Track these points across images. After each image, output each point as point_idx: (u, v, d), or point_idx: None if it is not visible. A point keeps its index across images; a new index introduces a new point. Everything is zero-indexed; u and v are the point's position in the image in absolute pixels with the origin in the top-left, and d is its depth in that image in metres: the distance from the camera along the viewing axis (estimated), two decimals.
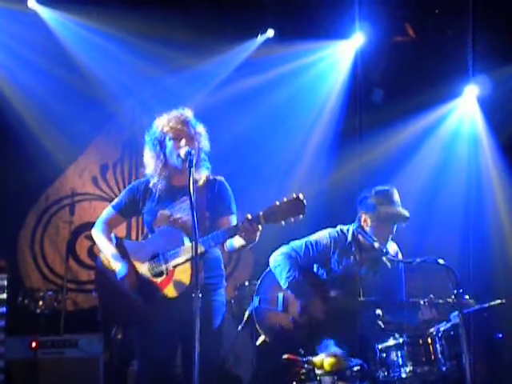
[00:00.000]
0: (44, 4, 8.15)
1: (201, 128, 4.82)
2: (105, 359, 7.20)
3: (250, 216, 4.30)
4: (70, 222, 8.52)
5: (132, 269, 4.68)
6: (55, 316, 7.87)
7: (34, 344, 7.06)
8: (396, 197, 5.72)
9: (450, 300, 5.42)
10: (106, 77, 8.52)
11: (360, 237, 5.73)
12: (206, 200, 4.73)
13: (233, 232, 4.42)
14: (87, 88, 8.57)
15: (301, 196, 4.23)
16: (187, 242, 4.50)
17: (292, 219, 4.24)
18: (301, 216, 4.23)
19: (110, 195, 9.13)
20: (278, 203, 4.25)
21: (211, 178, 4.85)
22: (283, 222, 4.25)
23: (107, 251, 4.81)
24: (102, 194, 9.17)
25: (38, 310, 7.83)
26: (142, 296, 4.62)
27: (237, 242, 4.55)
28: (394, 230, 5.73)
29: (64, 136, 8.62)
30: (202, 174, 4.78)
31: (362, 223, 5.74)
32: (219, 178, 4.89)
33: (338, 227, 5.89)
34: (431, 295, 5.57)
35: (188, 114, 4.81)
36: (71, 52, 8.36)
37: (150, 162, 4.81)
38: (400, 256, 5.92)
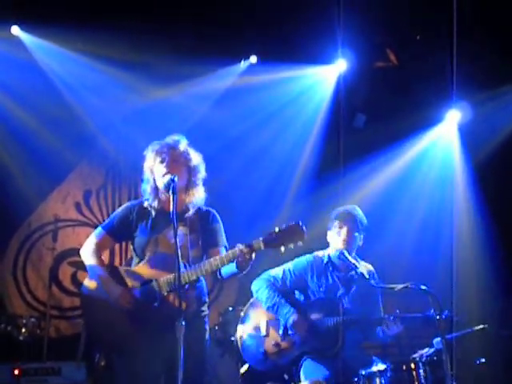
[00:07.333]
0: (28, 31, 8.17)
1: (194, 155, 4.80)
2: None
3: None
4: (52, 248, 8.46)
5: (125, 289, 4.61)
6: (38, 343, 7.82)
7: (16, 371, 7.00)
8: (351, 216, 5.76)
9: (420, 314, 5.49)
10: (90, 103, 8.54)
11: (336, 260, 5.76)
12: (200, 228, 4.74)
13: (231, 258, 4.42)
14: (70, 114, 8.58)
15: (300, 223, 4.27)
16: (182, 268, 4.43)
17: (292, 246, 4.27)
18: (300, 243, 4.26)
19: (93, 221, 9.12)
20: (277, 229, 4.29)
21: (204, 209, 4.85)
22: (283, 249, 4.28)
23: (98, 273, 4.70)
24: (85, 220, 9.14)
25: (21, 337, 7.75)
26: (133, 319, 4.57)
27: (231, 269, 4.54)
28: (358, 241, 5.78)
29: (47, 162, 8.58)
30: (196, 201, 4.77)
31: (329, 240, 5.81)
32: (212, 210, 4.90)
33: (314, 253, 5.94)
34: (397, 310, 5.61)
35: (181, 141, 4.79)
36: (54, 79, 8.39)
37: (145, 186, 4.79)
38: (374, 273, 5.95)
